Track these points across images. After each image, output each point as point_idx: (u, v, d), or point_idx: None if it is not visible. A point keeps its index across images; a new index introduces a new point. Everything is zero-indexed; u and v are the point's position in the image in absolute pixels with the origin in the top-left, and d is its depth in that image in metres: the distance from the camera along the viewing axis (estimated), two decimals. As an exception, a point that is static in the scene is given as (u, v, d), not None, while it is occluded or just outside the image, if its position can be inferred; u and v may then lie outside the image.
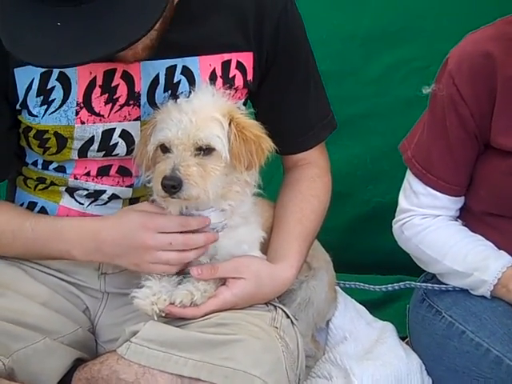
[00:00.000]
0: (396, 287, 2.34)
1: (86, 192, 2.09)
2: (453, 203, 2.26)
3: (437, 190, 2.23)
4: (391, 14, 2.96)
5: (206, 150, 1.89)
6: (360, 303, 2.50)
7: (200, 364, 1.82)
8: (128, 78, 2.00)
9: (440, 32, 2.87)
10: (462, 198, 2.27)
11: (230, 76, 2.07)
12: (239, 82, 2.09)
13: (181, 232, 1.94)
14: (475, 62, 2.13)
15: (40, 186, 2.13)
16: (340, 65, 2.96)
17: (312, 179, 2.22)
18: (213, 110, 1.91)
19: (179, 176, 1.85)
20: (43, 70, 1.95)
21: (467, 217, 2.29)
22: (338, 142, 2.84)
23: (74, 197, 2.10)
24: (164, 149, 1.91)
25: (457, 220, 2.29)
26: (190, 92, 2.00)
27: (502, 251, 2.19)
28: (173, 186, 1.85)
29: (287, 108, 2.19)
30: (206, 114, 1.89)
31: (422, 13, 2.94)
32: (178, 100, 1.95)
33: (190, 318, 1.93)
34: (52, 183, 2.11)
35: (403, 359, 2.21)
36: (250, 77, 2.10)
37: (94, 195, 2.08)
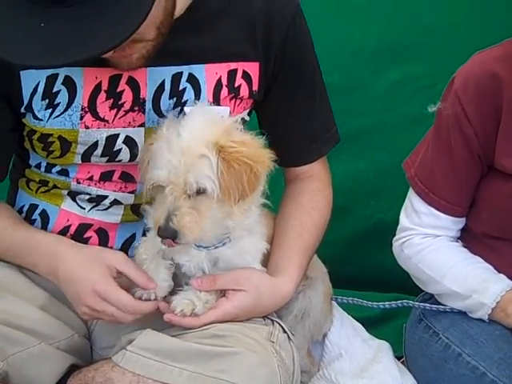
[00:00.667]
0: (393, 305, 2.32)
1: (88, 196, 2.08)
2: (454, 224, 2.25)
3: (439, 210, 2.22)
4: (400, 29, 2.95)
5: (198, 190, 1.86)
6: (357, 320, 2.48)
7: (194, 375, 1.81)
8: (133, 84, 2.00)
9: (448, 50, 2.87)
10: (464, 218, 2.26)
11: (236, 85, 2.07)
12: (244, 91, 2.08)
13: None
14: (481, 82, 2.12)
15: (42, 189, 2.12)
16: (347, 79, 2.95)
17: (313, 192, 2.21)
18: (201, 144, 1.85)
19: (173, 227, 1.84)
20: (49, 73, 1.95)
21: (467, 238, 2.28)
22: (342, 156, 2.84)
23: (75, 201, 2.09)
24: (159, 186, 1.89)
25: (457, 241, 2.28)
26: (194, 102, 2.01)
27: (501, 274, 2.17)
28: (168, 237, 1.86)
29: (291, 120, 2.19)
30: (194, 151, 1.85)
31: (431, 29, 2.93)
32: (173, 122, 1.93)
33: (189, 327, 1.92)
34: (54, 186, 2.10)
35: (398, 379, 2.20)
36: (255, 87, 2.09)
37: (96, 200, 2.08)
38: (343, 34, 2.96)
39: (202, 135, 1.86)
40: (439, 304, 2.26)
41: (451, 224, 2.25)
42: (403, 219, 2.30)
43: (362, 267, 3.00)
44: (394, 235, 2.34)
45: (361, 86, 2.98)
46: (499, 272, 2.19)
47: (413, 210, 2.26)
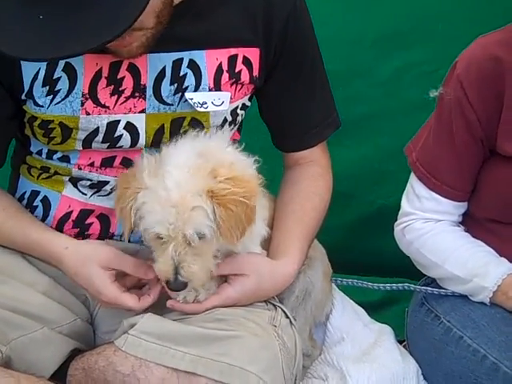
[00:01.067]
0: (394, 287, 2.33)
1: (89, 182, 2.09)
2: (456, 208, 2.25)
3: (440, 195, 2.23)
4: (402, 15, 2.93)
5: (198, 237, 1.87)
6: (358, 304, 2.49)
7: (197, 358, 1.82)
8: (134, 71, 2.00)
9: (450, 35, 2.85)
10: (466, 203, 2.26)
11: (236, 71, 2.07)
12: (245, 77, 2.08)
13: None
14: (483, 67, 2.12)
15: (43, 175, 2.13)
16: (349, 65, 2.93)
17: (313, 177, 2.22)
18: (192, 196, 1.84)
19: (183, 280, 1.86)
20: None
21: (469, 222, 2.28)
22: (344, 143, 2.83)
23: (77, 187, 2.10)
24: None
25: (459, 225, 2.28)
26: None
27: (502, 258, 2.18)
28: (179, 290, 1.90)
29: (292, 105, 2.19)
30: (187, 205, 1.84)
31: (433, 15, 2.91)
32: (152, 165, 1.92)
33: (191, 313, 1.94)
34: (56, 173, 2.11)
35: (400, 363, 2.21)
36: (256, 72, 2.10)
37: (97, 186, 2.08)
38: (345, 21, 2.94)
39: (191, 185, 1.85)
40: (441, 288, 2.27)
41: (453, 209, 2.25)
42: (405, 204, 2.30)
43: (365, 252, 2.99)
44: (396, 220, 2.34)
45: (363, 72, 2.96)
46: (500, 256, 2.19)
47: (414, 194, 2.27)
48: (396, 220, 2.35)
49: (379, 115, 2.96)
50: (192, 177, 1.86)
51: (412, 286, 2.32)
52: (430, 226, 2.25)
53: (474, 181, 2.23)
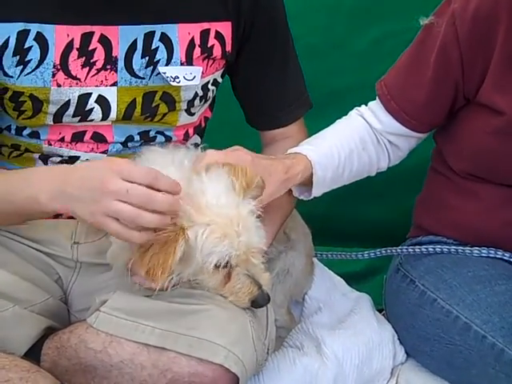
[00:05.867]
0: (372, 255, 2.32)
1: (59, 158, 2.05)
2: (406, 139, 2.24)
3: (397, 120, 2.20)
4: (378, -14, 2.92)
5: None
6: (340, 276, 2.49)
7: (166, 333, 1.81)
8: (106, 42, 1.97)
9: (427, 4, 2.82)
10: (418, 139, 2.25)
11: (209, 45, 2.05)
12: (217, 52, 2.07)
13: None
14: (482, 6, 2.04)
15: (14, 153, 2.10)
16: (326, 38, 2.91)
17: None
18: (242, 204, 1.84)
19: (266, 292, 1.86)
20: (20, 28, 1.92)
21: (447, 182, 2.25)
22: (324, 115, 2.78)
23: (47, 163, 2.07)
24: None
25: (383, 144, 2.26)
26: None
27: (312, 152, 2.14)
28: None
29: (265, 82, 2.18)
30: (241, 213, 1.83)
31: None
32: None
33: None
34: (26, 150, 2.07)
35: (375, 329, 2.21)
36: (228, 47, 2.08)
37: (68, 161, 2.05)
38: (320, -6, 2.92)
39: (232, 195, 1.84)
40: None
41: (396, 130, 2.23)
42: (365, 109, 2.29)
43: (350, 222, 3.00)
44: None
45: (340, 44, 2.94)
46: (479, 217, 2.18)
47: (371, 110, 2.26)
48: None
49: (357, 87, 2.92)
50: (226, 189, 1.85)
51: (389, 249, 2.31)
52: (355, 117, 2.27)
53: (433, 119, 2.21)
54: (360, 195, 2.91)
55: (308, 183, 2.13)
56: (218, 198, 1.82)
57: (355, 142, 2.21)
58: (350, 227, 2.97)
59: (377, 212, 2.88)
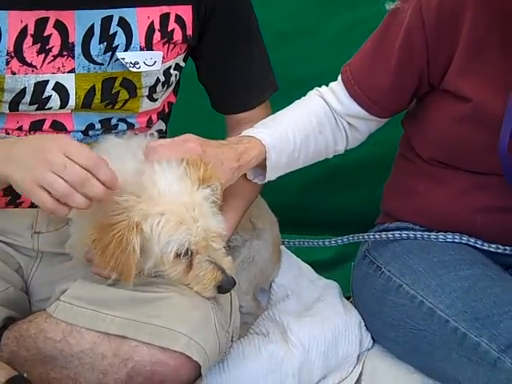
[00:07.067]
0: (339, 242, 2.31)
1: None
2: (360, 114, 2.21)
3: (359, 105, 2.18)
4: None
5: None
6: (310, 264, 2.48)
7: (126, 322, 1.80)
8: (61, 28, 1.94)
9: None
10: (378, 122, 2.23)
11: (169, 30, 2.02)
12: (178, 36, 2.04)
13: None
14: None
15: None
16: (297, 25, 2.89)
17: None
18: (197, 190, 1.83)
19: (231, 276, 1.84)
20: None
21: (415, 169, 2.24)
22: (293, 101, 2.79)
23: None
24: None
25: (341, 126, 2.24)
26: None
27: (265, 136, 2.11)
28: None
29: (229, 66, 2.16)
30: (195, 200, 1.81)
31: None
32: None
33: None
34: None
35: (342, 315, 2.20)
36: (189, 31, 2.06)
37: None
38: (291, -21, 2.90)
39: (185, 181, 1.83)
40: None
41: (357, 113, 2.21)
42: (326, 90, 2.27)
43: (320, 211, 2.99)
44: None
45: (311, 31, 2.92)
46: (445, 203, 2.17)
47: (333, 93, 2.23)
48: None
49: (327, 74, 2.90)
50: (179, 179, 1.83)
51: (356, 235, 2.30)
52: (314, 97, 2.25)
53: (398, 105, 2.19)
54: (330, 183, 2.93)
55: (263, 167, 2.12)
56: (170, 187, 1.81)
57: (312, 126, 2.19)
58: (320, 215, 2.96)
59: (348, 200, 2.86)
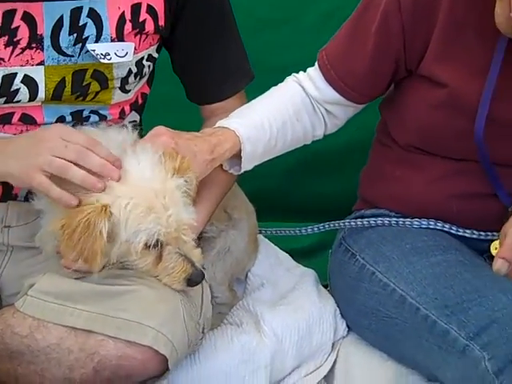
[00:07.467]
0: (315, 229, 2.30)
1: None
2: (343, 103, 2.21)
3: (336, 90, 2.17)
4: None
5: None
6: (288, 252, 2.48)
7: (93, 316, 1.80)
8: (29, 20, 1.92)
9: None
10: (356, 108, 2.23)
11: (140, 20, 2.01)
12: (150, 26, 2.02)
13: None
14: None
15: None
16: (276, 12, 2.87)
17: None
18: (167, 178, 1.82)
19: (200, 268, 1.83)
20: None
21: (392, 155, 2.23)
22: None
23: None
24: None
25: (318, 113, 2.23)
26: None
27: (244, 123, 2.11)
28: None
29: (203, 56, 2.15)
30: (168, 189, 1.81)
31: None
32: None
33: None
34: None
35: (316, 303, 2.20)
36: (161, 22, 2.04)
37: None
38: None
39: (159, 170, 1.82)
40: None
41: (334, 99, 2.20)
42: (303, 75, 2.26)
43: (299, 198, 2.98)
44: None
45: (290, 19, 2.90)
46: (422, 189, 2.16)
47: (310, 78, 2.23)
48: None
49: (307, 61, 2.89)
50: (152, 166, 1.83)
51: (332, 223, 2.29)
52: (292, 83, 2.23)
53: (375, 90, 2.18)
54: (309, 170, 2.92)
55: (239, 157, 2.10)
56: (142, 172, 1.80)
57: (289, 113, 2.18)
58: (302, 202, 2.96)
59: (329, 186, 2.85)
